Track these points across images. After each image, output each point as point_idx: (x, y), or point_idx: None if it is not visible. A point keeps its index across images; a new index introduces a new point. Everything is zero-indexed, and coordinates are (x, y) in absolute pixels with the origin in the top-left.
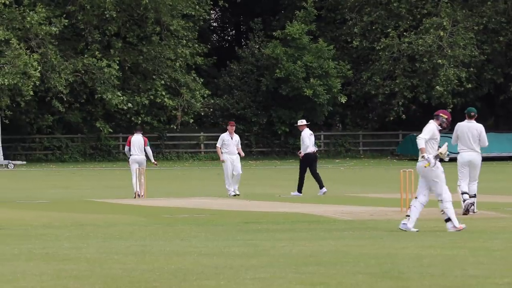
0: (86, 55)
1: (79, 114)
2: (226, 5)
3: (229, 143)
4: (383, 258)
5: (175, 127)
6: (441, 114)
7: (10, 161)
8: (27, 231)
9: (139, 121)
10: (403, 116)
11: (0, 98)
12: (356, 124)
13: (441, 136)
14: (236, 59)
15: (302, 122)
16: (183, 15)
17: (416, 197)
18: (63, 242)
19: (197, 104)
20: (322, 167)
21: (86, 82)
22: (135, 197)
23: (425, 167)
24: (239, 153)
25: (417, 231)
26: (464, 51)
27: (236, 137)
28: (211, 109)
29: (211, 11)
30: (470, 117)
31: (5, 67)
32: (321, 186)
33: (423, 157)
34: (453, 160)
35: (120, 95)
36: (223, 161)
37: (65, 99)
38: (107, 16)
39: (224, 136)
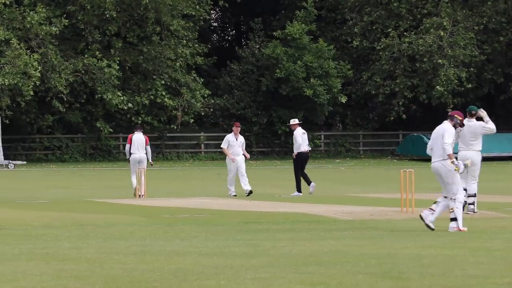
0: (86, 55)
1: (79, 114)
2: (226, 5)
3: (234, 144)
4: (383, 258)
5: (175, 127)
6: (456, 116)
7: (10, 161)
8: (27, 231)
9: (140, 121)
10: (404, 116)
11: (0, 98)
12: (356, 124)
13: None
14: (236, 59)
15: (294, 121)
16: (183, 15)
17: (445, 197)
18: (63, 242)
19: (197, 104)
20: (322, 167)
21: (86, 82)
22: (135, 194)
23: (455, 170)
24: (244, 155)
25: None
26: (464, 51)
27: (241, 139)
28: (211, 109)
29: (211, 11)
30: (471, 116)
31: (5, 67)
32: (309, 184)
33: (452, 162)
34: None
35: (120, 95)
36: (233, 160)
37: (65, 99)
38: (107, 16)
39: (229, 137)
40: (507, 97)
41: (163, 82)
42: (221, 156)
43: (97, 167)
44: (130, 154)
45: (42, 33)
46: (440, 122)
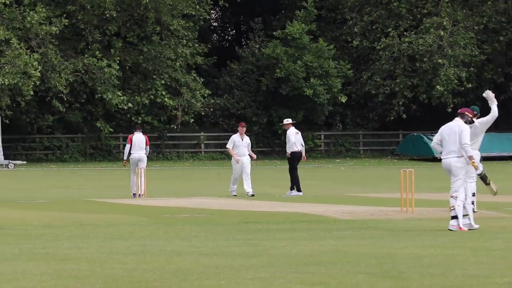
0: (86, 55)
1: (80, 114)
2: (226, 4)
3: (239, 145)
4: (383, 258)
5: (175, 127)
6: (466, 113)
7: (10, 161)
8: (27, 231)
9: (140, 121)
10: (404, 116)
11: (0, 98)
12: (357, 123)
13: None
14: (236, 59)
15: (287, 121)
16: (183, 15)
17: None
18: (64, 242)
19: (197, 104)
20: (322, 166)
21: (86, 82)
22: (134, 194)
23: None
24: (250, 156)
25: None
26: (465, 51)
27: (247, 139)
28: (212, 109)
29: (211, 11)
30: (473, 116)
31: (6, 67)
32: (291, 188)
33: (473, 163)
34: None
35: (121, 95)
36: (238, 161)
37: (65, 99)
38: (107, 16)
39: (235, 137)
40: (507, 97)
41: (163, 82)
42: (221, 156)
43: (97, 167)
44: (129, 154)
45: (42, 33)
46: (440, 122)
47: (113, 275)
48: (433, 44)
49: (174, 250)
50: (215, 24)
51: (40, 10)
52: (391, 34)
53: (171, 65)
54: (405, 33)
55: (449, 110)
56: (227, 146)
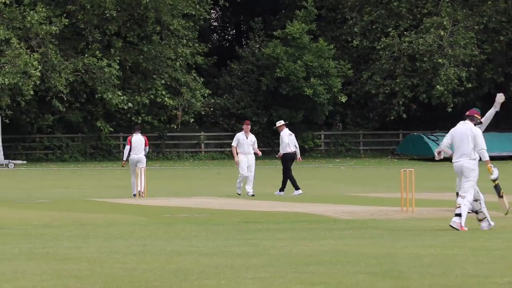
0: (86, 55)
1: (80, 113)
2: (227, 4)
3: (244, 143)
4: (383, 258)
5: (175, 127)
6: (475, 115)
7: (10, 161)
8: (27, 231)
9: (140, 121)
10: (404, 116)
11: (0, 97)
12: (357, 123)
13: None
14: (236, 59)
15: (280, 122)
16: (183, 15)
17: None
18: (64, 241)
19: (198, 104)
20: (322, 166)
21: (86, 82)
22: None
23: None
24: (255, 153)
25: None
26: (465, 51)
27: (252, 137)
28: (212, 109)
29: (212, 11)
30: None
31: (6, 67)
32: (281, 189)
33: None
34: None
35: (121, 94)
36: (237, 163)
37: (65, 99)
38: (107, 15)
39: (239, 135)
40: (507, 97)
41: (163, 81)
42: (221, 155)
43: (97, 167)
44: (129, 155)
45: (42, 32)
46: (440, 122)
47: (113, 275)
48: (433, 43)
49: (174, 250)
50: (215, 24)
51: (40, 9)
52: (391, 33)
53: (171, 64)
54: (405, 32)
55: (449, 110)
56: (232, 144)
